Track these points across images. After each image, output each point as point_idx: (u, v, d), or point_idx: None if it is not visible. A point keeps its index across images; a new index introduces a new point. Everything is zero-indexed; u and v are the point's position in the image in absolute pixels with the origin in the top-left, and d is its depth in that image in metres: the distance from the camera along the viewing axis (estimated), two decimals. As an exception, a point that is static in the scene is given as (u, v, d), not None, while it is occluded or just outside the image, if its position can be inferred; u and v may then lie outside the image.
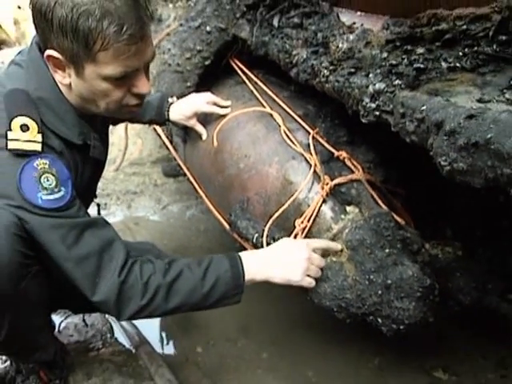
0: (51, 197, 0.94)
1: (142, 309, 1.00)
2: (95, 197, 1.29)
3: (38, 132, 0.94)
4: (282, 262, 1.08)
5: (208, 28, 1.52)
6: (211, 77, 1.59)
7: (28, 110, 0.95)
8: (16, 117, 0.93)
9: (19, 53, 1.07)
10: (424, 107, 0.86)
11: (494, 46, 0.85)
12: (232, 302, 1.07)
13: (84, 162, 1.09)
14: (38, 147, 0.94)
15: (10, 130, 0.92)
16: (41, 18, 0.92)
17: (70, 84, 0.99)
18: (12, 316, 0.98)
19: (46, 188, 0.93)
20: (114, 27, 0.89)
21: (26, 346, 1.13)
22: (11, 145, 0.92)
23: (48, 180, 0.94)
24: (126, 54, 0.93)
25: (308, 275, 1.09)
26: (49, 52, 0.95)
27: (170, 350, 1.48)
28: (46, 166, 0.94)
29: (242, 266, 1.06)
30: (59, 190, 0.95)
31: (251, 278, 1.07)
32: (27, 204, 0.92)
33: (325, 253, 1.14)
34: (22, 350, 1.14)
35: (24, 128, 0.93)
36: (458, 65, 0.90)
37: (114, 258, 0.99)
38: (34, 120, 0.94)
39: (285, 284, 1.09)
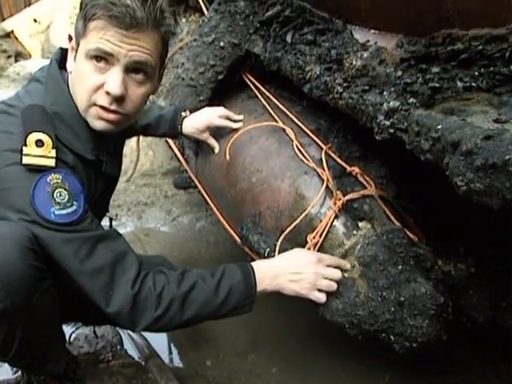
0: (64, 211, 0.95)
1: (157, 320, 1.00)
2: (107, 211, 1.30)
3: (53, 147, 0.96)
4: (293, 274, 1.08)
5: (221, 43, 1.54)
6: (224, 91, 1.60)
7: (43, 126, 0.97)
8: (32, 132, 0.95)
9: (40, 69, 1.09)
10: (440, 126, 0.86)
11: (511, 67, 0.85)
12: (244, 311, 1.08)
13: (97, 177, 1.10)
14: (52, 162, 0.95)
15: (26, 145, 0.94)
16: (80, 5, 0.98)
17: (71, 72, 1.02)
18: (24, 329, 0.98)
19: (58, 203, 0.94)
20: (111, 4, 0.91)
21: (38, 358, 1.13)
22: (26, 160, 0.93)
23: (61, 195, 0.95)
24: (109, 35, 0.92)
25: (319, 289, 1.09)
26: (69, 32, 1.01)
27: (179, 363, 1.48)
28: (59, 181, 0.95)
29: (255, 277, 1.07)
30: (72, 205, 0.96)
31: (263, 289, 1.08)
32: (40, 219, 0.93)
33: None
34: (33, 362, 1.14)
35: (39, 143, 0.94)
36: (473, 84, 0.90)
37: (127, 270, 0.99)
38: (48, 136, 0.96)
39: (294, 296, 1.09)
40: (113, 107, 0.98)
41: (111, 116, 1.00)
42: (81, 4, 0.97)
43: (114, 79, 0.95)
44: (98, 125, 1.01)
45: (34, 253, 0.93)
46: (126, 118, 1.03)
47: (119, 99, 0.98)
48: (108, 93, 0.96)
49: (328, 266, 1.11)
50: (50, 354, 1.15)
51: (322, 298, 1.09)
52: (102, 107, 0.98)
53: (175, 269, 1.26)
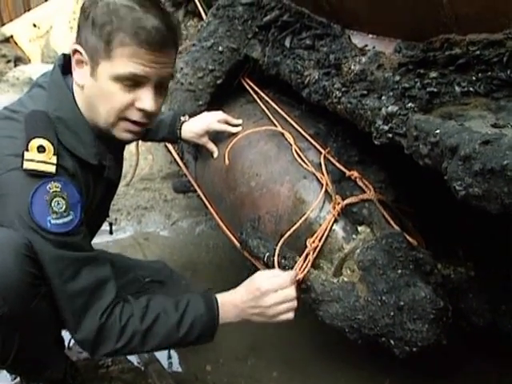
0: (60, 221, 0.95)
1: (117, 351, 1.04)
2: (108, 215, 1.30)
3: (54, 154, 0.96)
4: (253, 309, 1.10)
5: (220, 48, 1.54)
6: (223, 96, 1.61)
7: (46, 132, 0.97)
8: (34, 138, 0.95)
9: (43, 75, 1.10)
10: (438, 131, 0.86)
11: (508, 72, 0.86)
12: (205, 342, 1.13)
13: (97, 182, 1.10)
14: (53, 169, 0.96)
15: (28, 150, 0.94)
16: (82, 15, 0.98)
17: (84, 86, 1.02)
18: (22, 336, 0.98)
19: (55, 212, 0.94)
20: (138, 29, 0.93)
21: (37, 365, 1.13)
22: (27, 165, 0.94)
23: (58, 204, 0.95)
24: (141, 59, 0.95)
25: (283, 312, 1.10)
26: (75, 46, 0.99)
27: (179, 368, 1.48)
28: (58, 190, 0.96)
29: (218, 311, 1.10)
30: (68, 214, 0.96)
31: (226, 322, 1.11)
32: (36, 227, 0.93)
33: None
34: (32, 368, 1.14)
35: (40, 149, 0.95)
36: (471, 89, 0.91)
37: (102, 299, 1.01)
38: (50, 142, 0.96)
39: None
40: (144, 120, 1.04)
41: (139, 129, 1.05)
42: (92, 20, 0.96)
43: (148, 98, 1.00)
44: (125, 136, 1.06)
45: (31, 260, 0.93)
46: (148, 126, 1.09)
47: (150, 113, 1.02)
48: (142, 110, 1.01)
49: (276, 289, 1.10)
50: (48, 361, 1.14)
51: (290, 316, 1.12)
52: (134, 121, 1.03)
53: (164, 278, 1.33)
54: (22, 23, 4.20)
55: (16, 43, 4.12)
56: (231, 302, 1.11)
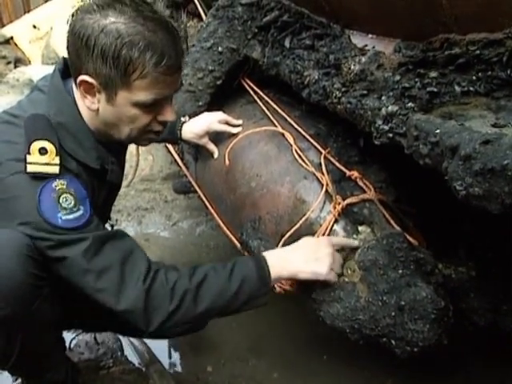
0: (71, 216, 0.95)
1: (171, 315, 0.97)
2: (109, 218, 1.30)
3: (56, 155, 0.96)
4: (308, 257, 1.07)
5: (220, 48, 1.54)
6: (223, 96, 1.61)
7: (47, 134, 0.97)
8: (35, 141, 0.95)
9: (42, 78, 1.09)
10: (438, 131, 0.86)
11: (508, 71, 0.86)
12: (259, 302, 1.07)
13: (100, 185, 1.10)
14: (56, 170, 0.95)
15: (29, 153, 0.94)
16: (81, 44, 0.94)
17: (98, 110, 1.01)
18: (23, 337, 0.98)
19: (65, 208, 0.94)
20: (156, 58, 0.94)
21: (37, 366, 1.13)
22: (30, 168, 0.93)
23: (67, 200, 0.95)
24: (162, 84, 0.97)
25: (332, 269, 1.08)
26: (83, 77, 0.97)
27: (180, 368, 1.48)
28: (64, 187, 0.95)
29: (267, 264, 1.06)
30: (78, 209, 0.96)
31: (277, 276, 1.06)
32: (47, 225, 0.93)
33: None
34: (33, 369, 1.14)
35: (42, 151, 0.95)
36: (471, 89, 0.91)
37: (137, 267, 0.98)
38: (52, 143, 0.96)
39: (311, 278, 1.08)
40: (163, 129, 1.10)
41: (157, 136, 1.12)
42: (102, 50, 0.92)
43: (169, 112, 1.05)
44: (146, 143, 1.14)
45: (34, 260, 0.93)
46: None
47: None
48: (164, 122, 1.07)
49: (337, 244, 1.11)
50: (49, 362, 1.14)
51: (336, 277, 1.10)
52: (157, 132, 1.09)
53: None
54: (22, 24, 4.20)
55: (16, 44, 4.12)
56: (280, 253, 1.10)
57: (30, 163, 0.93)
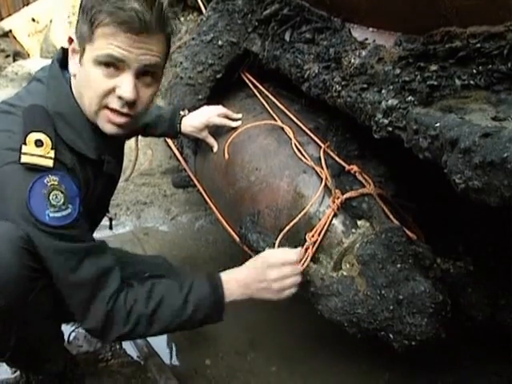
0: (58, 214, 0.95)
1: (124, 335, 1.06)
2: (108, 211, 1.30)
3: (52, 148, 0.96)
4: (259, 283, 1.10)
5: (220, 42, 1.54)
6: (223, 90, 1.60)
7: (44, 126, 0.97)
8: (32, 132, 0.95)
9: (41, 69, 1.09)
10: (438, 124, 0.86)
11: (509, 65, 0.85)
12: (215, 321, 1.12)
13: (96, 177, 1.10)
14: (50, 163, 0.95)
15: (25, 144, 0.94)
16: (79, 8, 0.98)
17: (75, 75, 1.02)
18: (20, 328, 0.99)
19: (53, 205, 0.94)
20: (117, 9, 0.91)
21: (36, 358, 1.13)
22: (24, 158, 0.93)
23: (57, 197, 0.95)
24: (119, 41, 0.92)
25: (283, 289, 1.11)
26: (70, 35, 0.99)
27: (178, 362, 1.48)
28: (56, 183, 0.95)
29: (223, 289, 1.09)
30: (66, 208, 0.96)
31: (232, 299, 1.10)
32: (34, 220, 0.93)
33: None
34: (31, 362, 1.14)
35: (38, 143, 0.94)
36: (471, 82, 0.90)
37: (107, 289, 1.02)
38: (48, 136, 0.96)
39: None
40: (124, 110, 1.00)
41: (121, 119, 1.02)
42: (82, 7, 0.96)
43: (126, 85, 0.96)
44: (108, 128, 1.03)
45: (28, 253, 0.93)
46: (134, 119, 1.05)
47: (131, 103, 0.99)
48: (120, 97, 0.98)
49: (283, 263, 1.11)
50: (48, 354, 1.15)
51: (293, 291, 1.12)
52: (114, 110, 1.00)
53: (164, 272, 1.32)
54: (21, 18, 4.18)
55: (15, 38, 4.10)
56: (236, 279, 1.11)
57: (25, 153, 0.93)
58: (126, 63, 0.95)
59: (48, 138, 0.96)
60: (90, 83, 0.98)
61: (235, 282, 1.11)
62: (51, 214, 0.94)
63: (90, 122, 1.04)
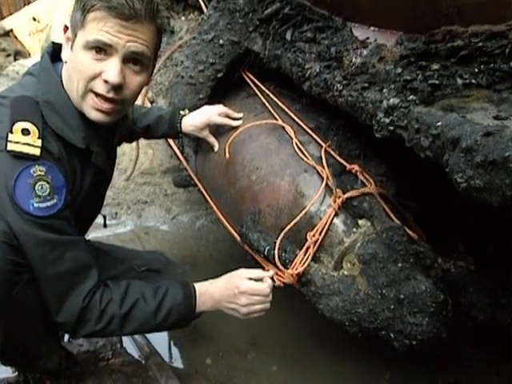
0: (43, 204, 0.96)
1: (96, 332, 1.08)
2: (99, 211, 1.30)
3: (39, 137, 0.96)
4: (229, 303, 1.15)
5: (221, 41, 1.53)
6: (223, 89, 1.60)
7: (31, 116, 0.97)
8: (18, 121, 0.95)
9: (34, 64, 1.10)
10: (439, 123, 0.86)
11: (511, 64, 0.85)
12: (185, 326, 1.19)
13: (84, 168, 1.09)
14: (37, 151, 0.95)
15: (12, 132, 0.94)
16: None
17: (67, 62, 1.02)
18: (7, 324, 0.98)
19: (39, 196, 0.95)
20: None
21: (28, 355, 1.13)
22: (10, 146, 0.93)
23: (42, 188, 0.95)
24: (108, 26, 0.93)
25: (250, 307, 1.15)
26: (65, 22, 1.01)
27: (179, 361, 1.48)
28: (42, 173, 0.96)
29: (195, 300, 1.14)
30: (52, 198, 0.97)
31: (203, 309, 1.17)
32: (19, 210, 0.94)
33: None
34: (24, 358, 1.14)
35: (25, 132, 0.95)
36: (473, 81, 0.90)
37: (85, 283, 1.04)
38: (35, 125, 0.97)
39: None
40: (110, 95, 0.99)
41: (107, 106, 1.01)
42: None
43: (112, 68, 0.97)
44: (94, 115, 1.02)
45: (11, 247, 0.94)
46: (121, 107, 1.04)
47: (117, 87, 0.98)
48: (106, 81, 0.97)
49: (255, 294, 1.14)
50: (40, 350, 1.14)
51: (261, 314, 1.17)
52: (99, 95, 0.99)
53: (161, 267, 1.34)
54: (22, 17, 4.18)
55: (16, 37, 4.10)
56: (209, 294, 1.16)
57: (11, 141, 0.93)
58: (114, 48, 0.96)
59: (35, 127, 0.96)
60: (79, 67, 0.98)
61: (208, 295, 1.16)
62: (35, 204, 0.94)
63: (79, 112, 1.04)
